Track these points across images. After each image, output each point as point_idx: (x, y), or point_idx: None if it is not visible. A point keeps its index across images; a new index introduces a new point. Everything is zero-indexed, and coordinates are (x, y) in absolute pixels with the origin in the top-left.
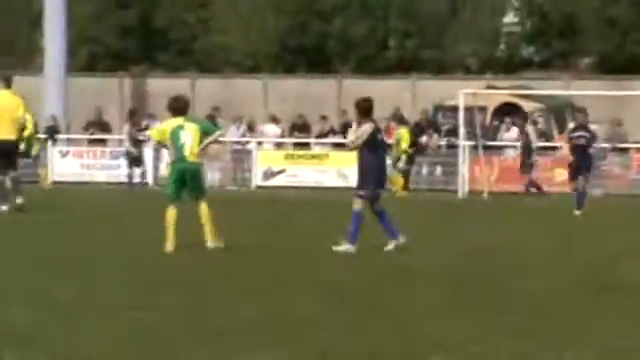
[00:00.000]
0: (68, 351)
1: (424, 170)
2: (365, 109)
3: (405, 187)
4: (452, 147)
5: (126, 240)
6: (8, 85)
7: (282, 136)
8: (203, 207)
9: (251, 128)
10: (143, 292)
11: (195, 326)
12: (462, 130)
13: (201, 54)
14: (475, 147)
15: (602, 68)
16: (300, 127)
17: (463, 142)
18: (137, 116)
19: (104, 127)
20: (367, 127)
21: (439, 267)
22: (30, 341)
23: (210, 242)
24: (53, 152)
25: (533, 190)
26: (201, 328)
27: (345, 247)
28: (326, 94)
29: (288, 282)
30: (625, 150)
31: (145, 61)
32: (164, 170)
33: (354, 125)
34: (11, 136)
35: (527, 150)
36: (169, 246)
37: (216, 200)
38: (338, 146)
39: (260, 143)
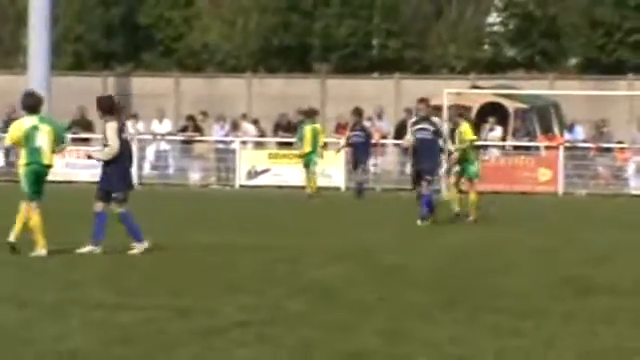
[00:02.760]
0: (55, 349)
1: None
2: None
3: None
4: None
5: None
6: None
7: (261, 136)
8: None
9: (235, 127)
10: (126, 292)
11: (180, 325)
12: (446, 128)
13: (185, 53)
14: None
15: (586, 69)
16: (284, 127)
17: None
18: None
19: (87, 126)
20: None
21: (425, 267)
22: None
23: (13, 238)
24: None
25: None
26: (186, 327)
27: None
28: (310, 93)
29: (274, 280)
30: (609, 150)
31: (130, 60)
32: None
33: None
34: None
35: None
36: (43, 250)
37: (200, 198)
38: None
39: (244, 142)
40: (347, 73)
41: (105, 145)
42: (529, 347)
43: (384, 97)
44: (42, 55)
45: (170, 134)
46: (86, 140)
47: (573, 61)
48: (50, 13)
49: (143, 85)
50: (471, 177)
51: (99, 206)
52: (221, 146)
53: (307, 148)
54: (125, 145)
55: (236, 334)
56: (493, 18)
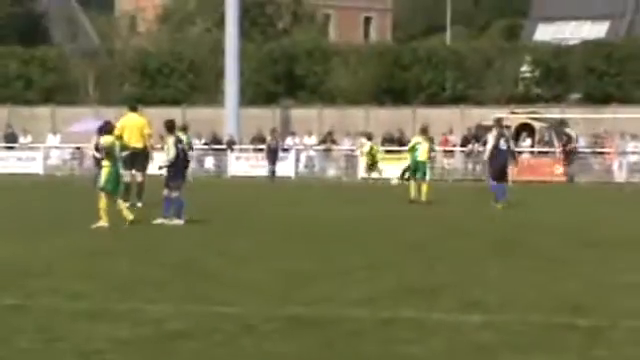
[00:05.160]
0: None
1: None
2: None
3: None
4: None
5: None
6: (134, 109)
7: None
8: None
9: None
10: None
11: (325, 268)
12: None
13: (325, 92)
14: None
15: (585, 100)
16: (389, 140)
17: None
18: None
19: (262, 141)
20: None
21: (485, 229)
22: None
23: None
24: (231, 157)
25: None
26: (330, 269)
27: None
28: (405, 119)
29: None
30: (602, 153)
31: (289, 97)
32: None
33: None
34: (140, 145)
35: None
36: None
37: (335, 187)
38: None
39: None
40: (431, 105)
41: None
42: (551, 280)
43: (453, 120)
44: (233, 95)
45: (315, 145)
46: (260, 150)
47: (576, 95)
48: (239, 68)
49: (298, 114)
50: None
51: (165, 192)
52: (348, 153)
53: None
54: (180, 153)
55: (272, 288)
56: (524, 67)
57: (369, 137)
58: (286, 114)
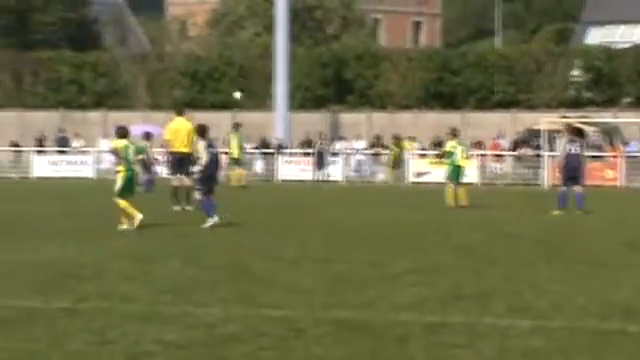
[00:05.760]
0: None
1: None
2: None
3: None
4: (538, 155)
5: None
6: (180, 113)
7: (422, 149)
8: None
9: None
10: (337, 250)
11: (374, 272)
12: (544, 144)
13: (374, 97)
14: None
15: (637, 104)
16: (438, 144)
17: (544, 152)
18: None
19: (309, 145)
20: None
21: (534, 233)
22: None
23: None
24: (280, 160)
25: None
26: (379, 273)
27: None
28: (454, 122)
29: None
30: None
31: (339, 102)
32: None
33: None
34: (186, 149)
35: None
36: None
37: (384, 190)
38: None
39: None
40: (480, 109)
41: (197, 158)
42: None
43: (503, 125)
44: (283, 99)
45: (364, 149)
46: (308, 154)
47: (627, 99)
48: (289, 73)
49: (347, 118)
50: None
51: (198, 196)
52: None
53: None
54: (212, 156)
55: (408, 278)
56: (575, 71)
57: (397, 138)
58: (335, 118)
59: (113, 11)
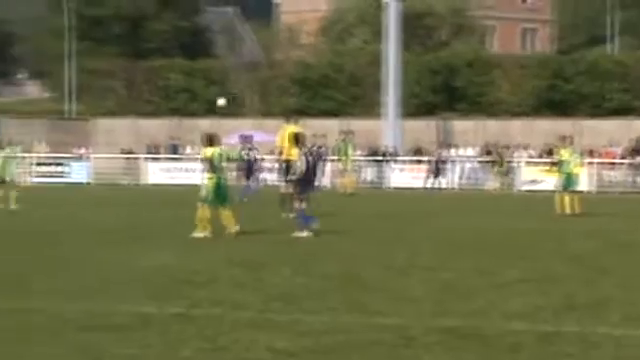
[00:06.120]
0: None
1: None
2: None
3: None
4: None
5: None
6: (290, 121)
7: (530, 157)
8: None
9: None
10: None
11: (484, 280)
12: None
13: (486, 104)
14: None
15: None
16: (550, 152)
17: None
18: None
19: (421, 152)
20: None
21: None
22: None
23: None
24: (391, 168)
25: None
26: (488, 281)
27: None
28: (566, 130)
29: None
30: None
31: (448, 110)
32: None
33: None
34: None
35: None
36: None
37: (493, 199)
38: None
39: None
40: (593, 116)
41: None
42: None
43: (617, 132)
44: (393, 106)
45: (476, 157)
46: (420, 162)
47: None
48: (399, 79)
49: (457, 126)
50: None
51: (297, 204)
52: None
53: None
54: (309, 165)
55: (521, 286)
56: None
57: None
58: (445, 126)
59: (225, 19)
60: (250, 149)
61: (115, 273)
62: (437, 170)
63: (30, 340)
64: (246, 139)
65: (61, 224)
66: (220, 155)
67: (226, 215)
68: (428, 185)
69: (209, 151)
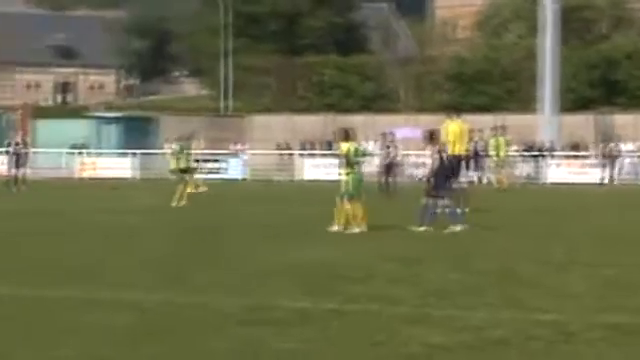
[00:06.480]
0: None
1: None
2: None
3: None
4: None
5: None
6: (452, 115)
7: None
8: None
9: None
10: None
11: None
12: None
13: None
14: None
15: None
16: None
17: None
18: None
19: (576, 148)
20: None
21: None
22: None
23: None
24: (549, 163)
25: None
26: None
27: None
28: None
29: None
30: None
31: (606, 104)
32: None
33: None
34: (463, 152)
35: None
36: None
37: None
38: None
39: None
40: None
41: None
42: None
43: None
44: (550, 102)
45: (634, 152)
46: (577, 157)
47: None
48: (556, 75)
49: (616, 120)
50: None
51: (424, 200)
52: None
53: None
54: (443, 161)
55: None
56: None
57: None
58: (602, 121)
59: (380, 15)
60: (389, 146)
61: (272, 268)
62: (612, 163)
63: (195, 334)
64: (386, 135)
65: (221, 220)
66: (356, 150)
67: (356, 212)
68: (605, 181)
69: (344, 146)
